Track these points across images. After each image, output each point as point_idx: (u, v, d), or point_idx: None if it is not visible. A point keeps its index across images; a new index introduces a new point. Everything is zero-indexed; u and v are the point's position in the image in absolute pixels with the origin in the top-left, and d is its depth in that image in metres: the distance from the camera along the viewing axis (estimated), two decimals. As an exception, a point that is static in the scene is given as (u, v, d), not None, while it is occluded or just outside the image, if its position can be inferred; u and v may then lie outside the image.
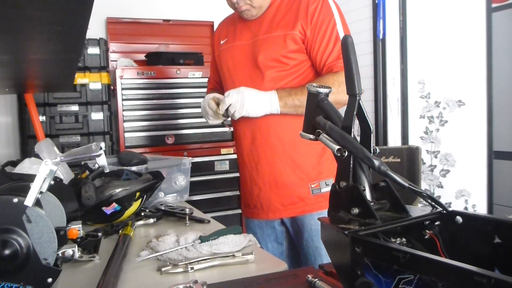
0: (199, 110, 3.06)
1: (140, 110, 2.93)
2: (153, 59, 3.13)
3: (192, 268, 0.97)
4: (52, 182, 0.80)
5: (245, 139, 1.60)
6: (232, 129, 1.78)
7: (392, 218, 0.65)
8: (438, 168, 2.93)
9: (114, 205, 1.35)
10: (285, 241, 1.68)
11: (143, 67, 3.05)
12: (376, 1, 3.17)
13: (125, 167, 1.63)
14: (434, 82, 2.94)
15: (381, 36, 3.16)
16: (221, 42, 1.69)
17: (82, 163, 1.54)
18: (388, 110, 3.16)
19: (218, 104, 1.54)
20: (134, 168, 1.65)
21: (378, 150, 0.72)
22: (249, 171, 1.62)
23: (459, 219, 0.63)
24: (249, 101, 1.46)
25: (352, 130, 0.69)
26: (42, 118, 2.67)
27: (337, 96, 1.39)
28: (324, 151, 1.53)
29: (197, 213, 1.53)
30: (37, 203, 0.77)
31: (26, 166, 1.43)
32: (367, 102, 3.18)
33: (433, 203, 0.66)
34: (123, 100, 2.87)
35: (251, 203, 1.64)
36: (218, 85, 1.83)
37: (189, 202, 1.84)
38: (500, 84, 2.73)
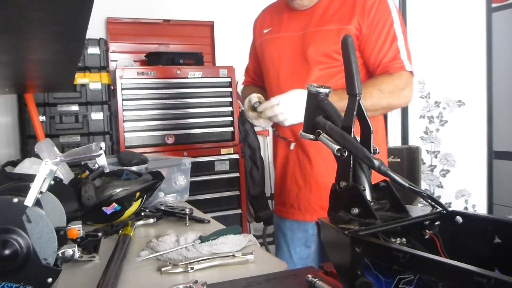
0: (199, 110, 3.10)
1: (140, 110, 2.93)
2: (153, 59, 3.14)
3: (192, 268, 0.96)
4: (52, 182, 0.80)
5: (291, 136, 1.52)
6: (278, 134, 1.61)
7: (392, 218, 0.65)
8: (438, 168, 2.93)
9: (114, 205, 1.35)
10: (314, 244, 1.58)
11: (143, 67, 3.05)
12: (376, 1, 3.16)
13: (125, 167, 1.62)
14: (434, 82, 2.94)
15: (381, 36, 3.15)
16: (264, 31, 1.58)
17: (82, 163, 1.54)
18: (388, 110, 3.15)
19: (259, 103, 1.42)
20: (134, 168, 1.65)
21: (378, 150, 0.72)
22: (291, 169, 1.54)
23: (459, 219, 0.63)
24: (301, 114, 1.38)
25: (352, 130, 0.70)
26: (42, 118, 2.67)
27: (390, 100, 1.35)
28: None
29: (197, 213, 1.53)
30: (37, 203, 0.77)
31: (26, 166, 1.43)
32: (367, 102, 3.18)
33: (433, 203, 0.66)
34: (123, 100, 2.87)
35: (287, 202, 1.56)
36: (256, 76, 1.73)
37: (189, 202, 1.84)
38: (500, 84, 2.73)
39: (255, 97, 1.44)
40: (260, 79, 1.70)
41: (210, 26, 3.57)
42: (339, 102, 1.35)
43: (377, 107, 1.37)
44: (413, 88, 1.44)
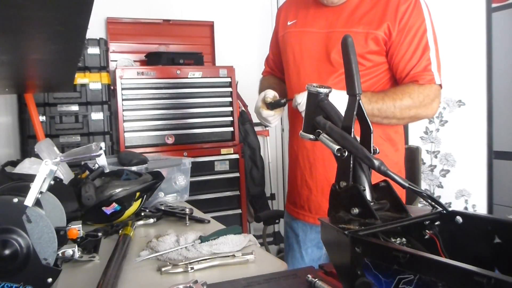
0: (199, 110, 3.11)
1: (140, 110, 2.93)
2: (153, 59, 3.14)
3: (192, 268, 0.97)
4: (52, 182, 0.80)
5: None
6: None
7: (392, 218, 0.65)
8: (438, 168, 2.93)
9: (114, 205, 1.35)
10: None
11: (143, 67, 3.05)
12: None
13: (125, 167, 1.62)
14: (434, 82, 2.93)
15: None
16: (289, 23, 1.51)
17: (82, 163, 1.54)
18: (388, 110, 3.15)
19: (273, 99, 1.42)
20: (134, 168, 1.65)
21: (378, 150, 0.72)
22: (301, 170, 1.51)
23: (459, 219, 0.63)
24: None
25: (352, 130, 0.70)
26: (42, 118, 2.67)
27: (419, 110, 1.33)
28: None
29: (197, 213, 1.53)
30: (37, 203, 0.77)
31: (26, 166, 1.43)
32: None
33: (433, 203, 0.66)
34: (123, 100, 2.87)
35: (298, 202, 1.54)
36: (275, 67, 1.69)
37: (189, 202, 1.84)
38: (500, 84, 2.73)
39: (271, 93, 1.43)
40: (279, 71, 1.66)
41: (210, 26, 3.57)
42: (368, 104, 1.32)
43: (405, 115, 1.34)
44: (440, 101, 1.39)
